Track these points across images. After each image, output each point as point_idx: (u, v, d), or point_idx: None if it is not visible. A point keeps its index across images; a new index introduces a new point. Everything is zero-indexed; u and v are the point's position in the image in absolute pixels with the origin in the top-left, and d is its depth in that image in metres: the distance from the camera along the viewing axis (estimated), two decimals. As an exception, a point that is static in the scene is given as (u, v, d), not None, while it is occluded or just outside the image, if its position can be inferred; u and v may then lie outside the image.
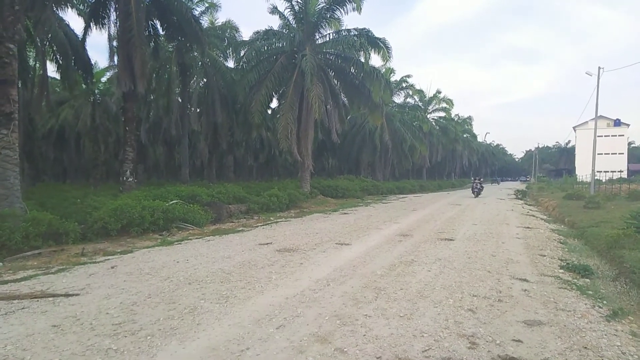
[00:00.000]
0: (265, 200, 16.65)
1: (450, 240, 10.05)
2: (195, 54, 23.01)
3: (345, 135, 34.83)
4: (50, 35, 18.69)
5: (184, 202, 13.03)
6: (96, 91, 29.57)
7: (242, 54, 23.58)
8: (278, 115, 24.20)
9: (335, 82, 23.87)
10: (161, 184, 20.96)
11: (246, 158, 40.35)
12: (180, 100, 25.86)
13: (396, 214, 16.67)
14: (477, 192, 29.97)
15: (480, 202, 24.20)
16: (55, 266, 7.21)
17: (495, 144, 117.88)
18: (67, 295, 5.35)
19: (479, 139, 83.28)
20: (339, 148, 37.22)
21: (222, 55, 26.58)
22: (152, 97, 27.36)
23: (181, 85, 24.71)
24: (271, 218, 14.96)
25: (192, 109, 27.84)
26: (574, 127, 74.65)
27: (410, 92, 43.32)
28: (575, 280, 6.42)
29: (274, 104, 26.76)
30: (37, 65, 20.86)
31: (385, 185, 34.42)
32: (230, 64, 26.66)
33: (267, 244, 9.38)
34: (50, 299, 5.20)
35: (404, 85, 40.80)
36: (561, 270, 7.06)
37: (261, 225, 13.02)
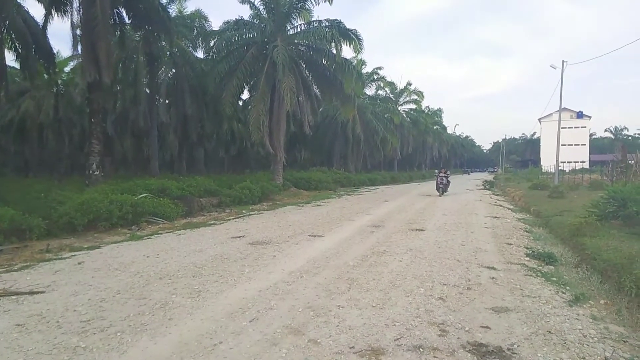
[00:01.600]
0: (237, 193, 16.50)
1: (421, 230, 10.23)
2: (164, 43, 22.39)
3: (317, 127, 34.84)
4: (7, 22, 17.81)
5: (154, 196, 12.76)
6: (59, 82, 28.49)
7: (211, 44, 23.19)
8: (249, 107, 23.97)
9: (307, 74, 23.79)
10: (129, 178, 20.41)
11: (217, 150, 39.78)
12: (148, 91, 25.19)
13: (368, 206, 16.83)
14: (442, 189, 21.55)
15: (450, 193, 24.72)
16: (19, 263, 6.96)
17: (464, 136, 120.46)
18: (31, 293, 5.17)
19: (449, 131, 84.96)
20: (312, 140, 37.18)
21: (191, 45, 26.02)
22: (118, 88, 26.53)
23: (149, 76, 24.05)
24: (243, 211, 14.84)
25: (161, 100, 27.18)
26: (539, 119, 76.94)
27: (382, 84, 43.63)
28: (540, 268, 6.66)
29: (245, 95, 26.51)
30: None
31: (357, 177, 34.67)
32: (200, 54, 26.19)
33: (239, 237, 9.31)
34: (14, 297, 5.01)
35: (375, 77, 41.02)
36: (527, 258, 7.30)
37: (233, 219, 12.91)
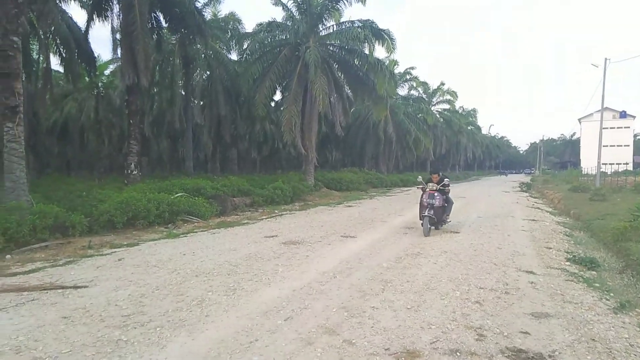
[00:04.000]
0: (269, 193, 16.66)
1: (456, 233, 10.04)
2: (199, 46, 22.88)
3: (349, 127, 34.74)
4: (53, 28, 18.60)
5: (189, 195, 13.06)
6: (100, 84, 29.54)
7: (245, 46, 23.50)
8: (282, 108, 24.15)
9: (339, 75, 23.76)
10: (165, 177, 20.97)
11: (249, 151, 40.31)
12: (183, 93, 25.81)
13: (400, 207, 16.67)
14: (431, 218, 9.58)
15: (485, 195, 24.15)
16: (63, 258, 7.26)
17: (499, 136, 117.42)
18: (75, 287, 5.39)
19: (484, 131, 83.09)
20: (343, 141, 37.12)
21: (225, 47, 26.44)
22: (155, 90, 27.30)
23: (184, 78, 24.63)
24: (275, 211, 14.97)
25: (196, 101, 27.78)
26: (579, 119, 74.16)
27: (414, 84, 43.09)
28: (582, 273, 6.41)
29: (277, 96, 26.72)
30: (41, 58, 20.85)
31: (389, 177, 34.36)
32: (234, 56, 26.58)
33: (272, 236, 9.40)
34: (60, 290, 5.23)
35: (407, 77, 40.57)
36: (567, 263, 7.05)
37: (266, 218, 13.04)
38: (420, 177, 10.39)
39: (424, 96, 46.09)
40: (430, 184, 9.81)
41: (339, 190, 24.02)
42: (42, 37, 19.09)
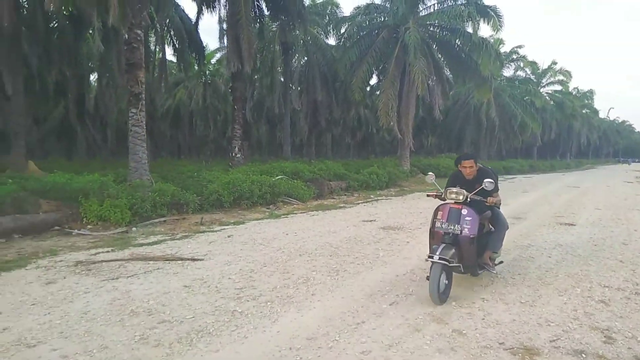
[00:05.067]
0: (364, 178, 16.64)
1: (571, 225, 9.17)
2: (298, 32, 23.35)
3: (447, 111, 33.33)
4: (168, 21, 20.20)
5: (288, 178, 13.51)
6: (207, 72, 31.54)
7: (342, 31, 23.46)
8: (378, 92, 23.86)
9: (439, 56, 22.76)
10: (264, 161, 21.93)
11: (343, 136, 40.53)
12: (282, 79, 26.61)
13: (505, 195, 15.56)
14: (442, 265, 4.23)
15: (602, 185, 21.78)
16: (179, 233, 7.92)
17: (620, 120, 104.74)
18: (193, 259, 5.84)
19: (601, 115, 74.66)
20: (440, 125, 35.74)
21: (322, 32, 26.70)
22: (256, 77, 28.51)
23: (283, 64, 25.37)
24: (371, 195, 14.92)
25: (293, 87, 28.52)
26: None
27: (522, 64, 39.91)
28: None
29: (373, 81, 26.45)
30: (157, 49, 22.77)
31: (490, 164, 32.40)
32: (331, 41, 26.74)
33: (370, 220, 9.37)
34: (180, 262, 5.71)
35: (514, 56, 37.71)
36: None
37: (362, 203, 13.05)
38: (431, 174, 5.20)
39: (532, 77, 42.55)
40: (454, 190, 4.63)
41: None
42: (159, 29, 20.83)
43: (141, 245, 6.81)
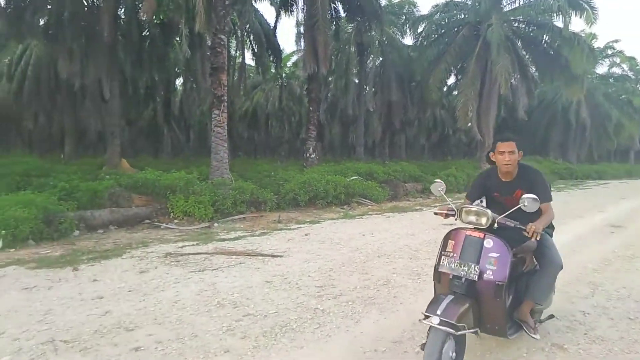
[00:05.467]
0: (442, 180, 16.07)
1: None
2: (373, 32, 23.19)
3: (531, 111, 31.37)
4: (248, 26, 20.98)
5: (362, 179, 13.40)
6: (283, 75, 32.32)
7: (420, 30, 22.95)
8: (455, 92, 23.05)
9: (524, 53, 21.52)
10: (337, 162, 22.00)
11: (418, 137, 39.64)
12: (357, 80, 26.55)
13: (599, 201, 14.37)
14: (446, 325, 2.53)
15: None
16: (258, 230, 8.12)
17: None
18: (273, 255, 5.94)
19: None
20: (523, 126, 33.65)
21: (398, 32, 26.29)
22: (330, 79, 28.72)
23: (359, 66, 25.30)
24: (449, 198, 14.35)
25: (367, 88, 28.33)
26: None
27: (618, 60, 36.48)
28: None
29: (450, 80, 25.58)
30: (237, 54, 23.72)
31: (580, 168, 30.02)
32: (407, 40, 26.26)
33: (450, 224, 8.97)
34: (260, 257, 5.83)
35: (609, 52, 34.59)
36: None
37: (439, 205, 12.57)
38: (438, 182, 3.88)
39: (630, 74, 38.72)
40: (473, 209, 3.07)
41: (518, 181, 21.90)
42: (239, 35, 21.69)
43: (223, 240, 7.06)
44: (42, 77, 20.52)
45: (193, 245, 6.63)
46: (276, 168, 17.50)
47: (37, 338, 3.29)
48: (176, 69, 25.83)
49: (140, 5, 15.01)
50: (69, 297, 4.22)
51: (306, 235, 7.56)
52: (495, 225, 2.87)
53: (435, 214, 3.56)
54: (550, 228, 3.35)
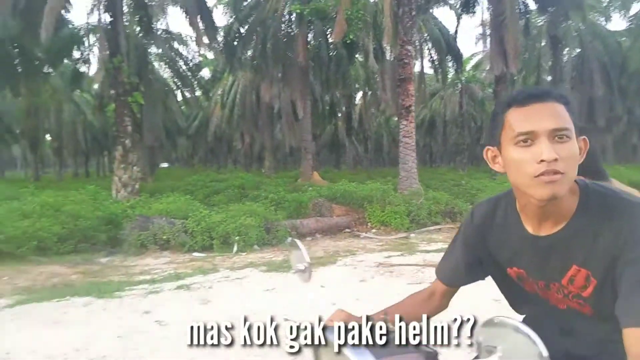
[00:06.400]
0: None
1: None
2: (570, 22, 20.57)
3: None
4: (426, 34, 20.76)
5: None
6: (462, 79, 31.12)
7: (634, 11, 19.51)
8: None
9: None
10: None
11: (626, 136, 33.57)
12: (550, 77, 23.89)
13: None
14: None
15: None
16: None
17: None
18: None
19: None
20: None
21: (601, 18, 22.81)
22: (515, 78, 26.47)
23: (552, 60, 22.74)
24: None
25: (561, 84, 25.19)
26: None
27: None
28: None
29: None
30: (415, 63, 23.65)
31: None
32: (612, 26, 22.61)
33: None
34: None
35: None
36: None
37: None
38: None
39: None
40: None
41: None
42: (418, 43, 21.60)
43: (427, 252, 6.98)
44: (247, 103, 23.71)
45: (398, 255, 6.71)
46: (462, 176, 16.81)
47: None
48: (356, 85, 27.08)
49: (329, 28, 16.23)
50: (299, 301, 4.43)
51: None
52: None
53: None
54: None
